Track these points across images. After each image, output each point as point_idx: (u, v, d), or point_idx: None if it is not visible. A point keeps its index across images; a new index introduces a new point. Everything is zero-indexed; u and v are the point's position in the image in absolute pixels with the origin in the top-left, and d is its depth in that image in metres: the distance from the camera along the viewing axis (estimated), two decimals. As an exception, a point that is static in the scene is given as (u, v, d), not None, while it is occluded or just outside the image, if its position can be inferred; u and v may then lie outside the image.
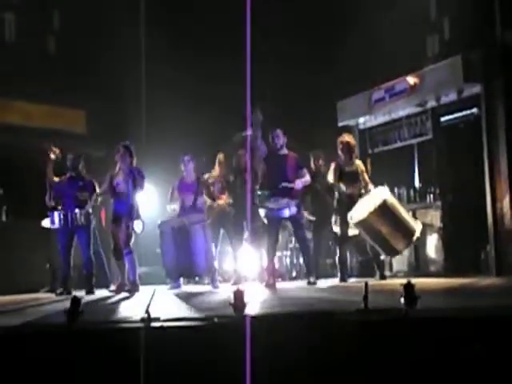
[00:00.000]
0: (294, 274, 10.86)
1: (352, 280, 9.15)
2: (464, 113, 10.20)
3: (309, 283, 8.39)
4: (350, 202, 8.85)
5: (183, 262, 8.53)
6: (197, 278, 10.18)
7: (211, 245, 8.84)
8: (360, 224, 8.54)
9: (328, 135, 10.31)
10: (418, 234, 8.69)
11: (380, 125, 11.55)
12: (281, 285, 8.66)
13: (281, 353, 3.82)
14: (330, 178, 9.07)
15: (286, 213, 8.41)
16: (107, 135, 11.31)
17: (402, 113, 11.03)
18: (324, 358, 3.83)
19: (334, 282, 8.93)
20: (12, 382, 3.86)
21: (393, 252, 8.83)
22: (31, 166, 10.59)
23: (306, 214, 9.67)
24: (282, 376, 3.83)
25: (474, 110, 9.94)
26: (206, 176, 9.57)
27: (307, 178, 8.67)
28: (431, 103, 10.48)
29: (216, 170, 9.76)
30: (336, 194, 9.12)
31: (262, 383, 3.78)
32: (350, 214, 8.65)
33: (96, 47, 11.65)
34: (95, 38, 11.79)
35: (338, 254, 9.05)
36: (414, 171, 11.03)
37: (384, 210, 8.43)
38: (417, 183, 10.96)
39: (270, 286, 8.20)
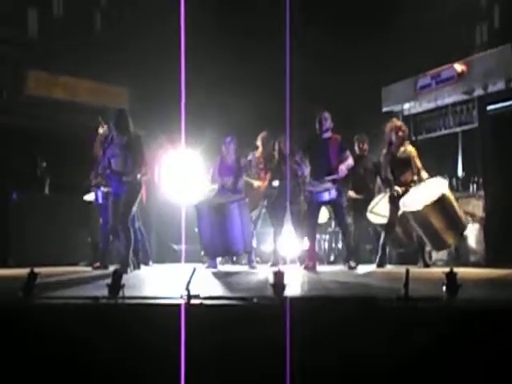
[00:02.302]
0: (332, 258, 10.83)
1: (389, 267, 9.09)
2: (511, 102, 10.02)
3: (349, 268, 8.34)
4: (399, 195, 8.69)
5: (220, 242, 8.53)
6: (234, 258, 10.22)
7: (249, 225, 8.80)
8: (413, 214, 8.38)
9: (371, 121, 10.24)
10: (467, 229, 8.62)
11: (425, 112, 11.44)
12: (319, 268, 8.63)
13: (318, 336, 3.81)
14: (386, 172, 8.91)
15: (326, 196, 8.33)
16: (148, 113, 11.36)
17: (447, 100, 10.90)
18: (361, 344, 3.81)
19: (373, 267, 8.87)
20: (52, 352, 3.92)
21: (442, 246, 8.71)
22: (74, 141, 10.73)
23: (351, 193, 9.62)
24: (319, 360, 3.82)
25: (522, 99, 9.79)
26: (249, 157, 9.55)
27: (350, 161, 8.56)
28: (478, 91, 10.33)
29: (259, 151, 9.70)
30: (388, 182, 8.95)
31: (300, 366, 3.77)
32: (402, 201, 8.53)
33: (140, 25, 11.67)
34: (139, 16, 11.82)
35: (381, 240, 8.95)
36: (457, 160, 10.91)
37: (441, 204, 8.23)
38: (460, 172, 10.84)
39: (310, 268, 8.17)
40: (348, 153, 8.63)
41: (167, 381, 3.80)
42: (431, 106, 11.23)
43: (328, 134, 8.57)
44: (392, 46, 10.69)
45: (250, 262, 8.90)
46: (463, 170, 10.80)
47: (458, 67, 10.34)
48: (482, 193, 10.20)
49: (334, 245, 10.86)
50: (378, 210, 9.38)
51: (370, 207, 9.49)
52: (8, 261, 9.92)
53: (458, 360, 3.71)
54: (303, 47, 9.02)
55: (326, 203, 8.59)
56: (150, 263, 9.39)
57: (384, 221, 9.05)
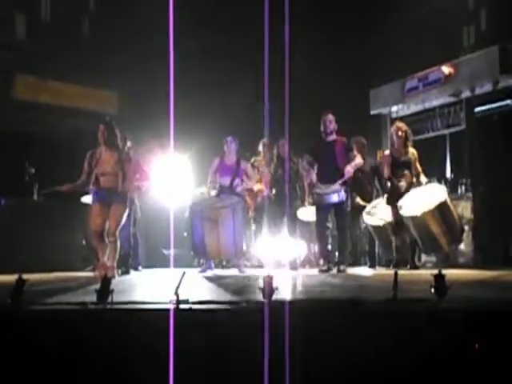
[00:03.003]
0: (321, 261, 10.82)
1: (380, 269, 9.12)
2: (499, 104, 10.08)
3: (339, 271, 8.37)
4: (401, 191, 8.74)
5: (210, 244, 8.53)
6: (224, 262, 10.22)
7: (241, 229, 8.79)
8: (412, 219, 8.41)
9: (358, 123, 10.27)
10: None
11: (413, 114, 11.49)
12: (310, 271, 8.65)
13: (308, 339, 3.82)
14: (386, 171, 8.94)
15: (335, 198, 8.35)
16: (138, 117, 11.36)
17: (435, 102, 10.96)
18: (350, 346, 3.82)
19: (367, 270, 8.91)
20: (40, 359, 3.91)
21: (438, 251, 8.77)
22: (64, 146, 10.71)
23: (359, 200, 9.64)
24: (308, 362, 3.82)
25: (509, 101, 9.84)
26: (253, 160, 9.59)
27: (358, 160, 8.55)
28: (465, 93, 10.39)
29: (261, 155, 9.75)
30: (389, 184, 8.97)
31: (289, 369, 3.78)
32: (400, 204, 8.55)
33: (129, 30, 11.66)
34: (128, 21, 11.80)
35: (393, 241, 8.96)
36: (445, 162, 10.96)
37: (440, 210, 8.30)
38: (448, 174, 10.88)
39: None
40: (355, 153, 8.62)
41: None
42: (419, 108, 11.29)
43: (333, 137, 8.57)
44: (379, 48, 10.72)
45: (239, 266, 8.90)
46: (451, 171, 10.84)
47: (446, 69, 10.39)
48: (470, 194, 10.25)
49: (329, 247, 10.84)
50: (375, 213, 9.42)
51: (367, 209, 9.52)
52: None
53: (447, 361, 3.72)
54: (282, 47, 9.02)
55: (334, 205, 8.54)
56: (140, 268, 9.40)
57: (379, 223, 9.08)
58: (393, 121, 11.66)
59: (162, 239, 10.32)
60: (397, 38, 10.64)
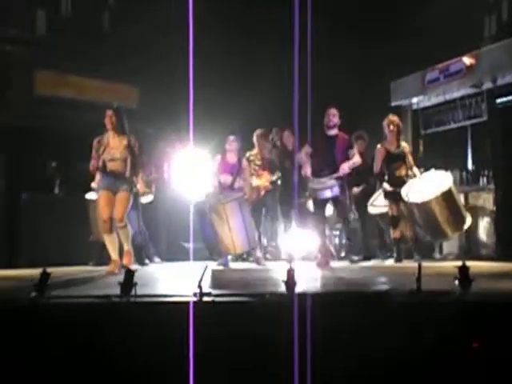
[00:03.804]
0: (342, 253, 10.80)
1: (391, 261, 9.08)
2: (521, 95, 10.00)
3: (351, 262, 8.35)
4: (398, 183, 8.71)
5: (222, 240, 8.50)
6: (245, 255, 10.21)
7: (251, 221, 8.74)
8: (417, 205, 8.42)
9: (379, 116, 10.20)
10: (468, 224, 8.64)
11: (433, 106, 11.39)
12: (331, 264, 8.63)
13: (332, 332, 3.82)
14: (376, 166, 8.93)
15: (328, 193, 8.29)
16: (158, 112, 11.38)
17: (456, 94, 10.85)
18: (374, 339, 3.81)
19: (382, 262, 8.88)
20: (65, 350, 3.94)
21: (441, 237, 8.79)
22: (84, 140, 10.72)
23: (354, 189, 9.60)
24: (332, 355, 3.82)
25: (531, 92, 9.75)
26: (248, 154, 9.54)
27: (356, 159, 8.46)
28: (487, 85, 10.28)
29: (256, 148, 9.69)
30: (385, 177, 8.96)
31: (312, 362, 3.78)
32: (404, 192, 8.52)
33: (149, 24, 11.67)
34: (149, 15, 11.81)
35: (391, 235, 8.95)
36: (467, 153, 10.87)
37: (446, 197, 8.33)
38: (470, 165, 10.81)
39: (323, 265, 8.17)
40: (354, 151, 8.54)
41: (180, 378, 3.81)
42: (440, 99, 11.19)
43: (335, 131, 8.48)
44: (400, 39, 10.65)
45: (256, 259, 8.89)
46: (473, 163, 10.77)
47: (467, 60, 10.30)
48: (492, 186, 10.17)
49: (344, 241, 10.83)
50: (377, 202, 9.43)
51: (370, 201, 9.52)
52: (18, 261, 9.96)
53: (471, 353, 3.71)
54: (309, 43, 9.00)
55: (328, 200, 8.52)
56: (155, 259, 9.49)
57: (383, 210, 9.07)
58: (414, 112, 11.67)
59: (183, 233, 10.35)
60: (418, 29, 10.54)
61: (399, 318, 3.87)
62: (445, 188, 8.36)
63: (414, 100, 11.61)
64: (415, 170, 8.96)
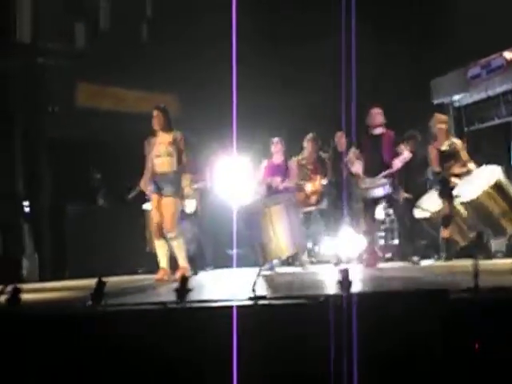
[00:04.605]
0: (389, 254, 10.72)
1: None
2: None
3: (412, 263, 8.21)
4: (451, 182, 8.61)
5: (269, 244, 8.46)
6: (290, 260, 10.18)
7: (298, 225, 8.69)
8: (470, 204, 8.27)
9: (421, 113, 10.11)
10: None
11: (476, 102, 11.25)
12: (379, 265, 8.58)
13: (391, 331, 3.77)
14: (435, 166, 8.82)
15: (381, 192, 8.22)
16: (200, 120, 11.43)
17: (498, 89, 10.70)
18: (435, 337, 3.75)
19: (431, 262, 8.77)
20: (123, 358, 3.96)
21: (501, 233, 8.58)
22: (125, 150, 10.84)
23: (403, 194, 9.52)
24: (386, 355, 3.78)
25: None
26: (299, 157, 9.49)
27: (405, 154, 8.34)
28: (530, 79, 10.16)
29: (307, 151, 9.66)
30: (440, 176, 8.84)
31: (366, 361, 3.74)
32: (456, 192, 8.42)
33: (187, 34, 11.75)
34: (186, 25, 11.90)
35: (441, 234, 8.84)
36: (511, 149, 10.71)
37: (497, 189, 8.15)
38: (515, 162, 10.66)
39: (371, 266, 8.10)
40: (402, 147, 8.46)
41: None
42: (482, 96, 11.05)
43: (380, 130, 8.41)
44: (440, 36, 10.58)
45: (301, 263, 8.86)
46: (518, 159, 10.62)
47: (508, 55, 10.17)
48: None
49: (390, 241, 10.74)
50: (423, 205, 9.31)
51: (418, 202, 9.41)
52: (65, 273, 10.08)
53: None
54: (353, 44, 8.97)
55: (381, 199, 8.48)
56: (207, 269, 9.48)
57: (425, 215, 8.97)
58: (456, 110, 11.54)
59: (227, 240, 10.37)
60: (458, 25, 10.47)
61: (459, 314, 3.81)
62: (492, 181, 8.16)
63: (456, 97, 11.48)
64: (470, 165, 8.75)
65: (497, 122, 10.99)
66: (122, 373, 3.91)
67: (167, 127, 7.68)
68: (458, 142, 8.99)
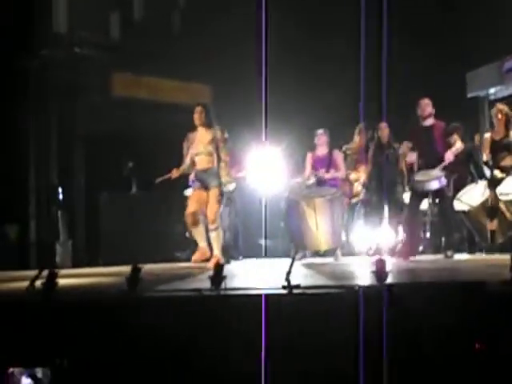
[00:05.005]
0: (420, 248, 10.64)
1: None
2: None
3: (446, 256, 8.15)
4: (501, 175, 8.50)
5: (309, 236, 8.46)
6: (321, 252, 10.16)
7: (339, 220, 8.67)
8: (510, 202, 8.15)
9: (456, 107, 10.04)
10: None
11: (512, 95, 11.15)
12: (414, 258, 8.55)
13: (427, 322, 3.77)
14: (485, 155, 8.71)
15: (436, 184, 8.10)
16: (231, 110, 11.43)
17: (534, 82, 10.61)
18: (472, 329, 3.74)
19: (465, 256, 8.71)
20: (159, 344, 3.99)
21: None
22: (159, 139, 10.91)
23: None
24: (419, 344, 3.77)
25: None
26: (344, 148, 9.50)
27: (458, 144, 8.29)
28: None
29: (355, 142, 9.65)
30: (489, 168, 8.73)
31: (400, 351, 3.74)
32: (499, 190, 8.31)
33: (221, 21, 11.75)
34: (219, 12, 11.90)
35: (487, 226, 8.71)
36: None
37: None
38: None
39: (405, 256, 8.11)
40: (455, 136, 8.38)
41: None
42: (518, 89, 10.96)
43: (430, 121, 8.34)
44: (475, 28, 10.47)
45: (336, 256, 8.85)
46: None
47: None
48: None
49: (422, 235, 10.65)
50: (463, 198, 9.20)
51: (457, 196, 9.31)
52: (99, 260, 10.18)
53: None
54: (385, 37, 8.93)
55: (434, 192, 8.38)
56: (240, 258, 9.52)
57: (465, 208, 8.88)
58: (491, 103, 11.39)
59: (259, 230, 10.38)
60: (493, 17, 10.34)
61: (494, 307, 3.79)
62: None
63: (492, 90, 11.37)
64: None
65: (533, 115, 10.84)
66: (156, 358, 3.94)
67: (208, 124, 7.75)
68: None
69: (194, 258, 7.69)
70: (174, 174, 7.88)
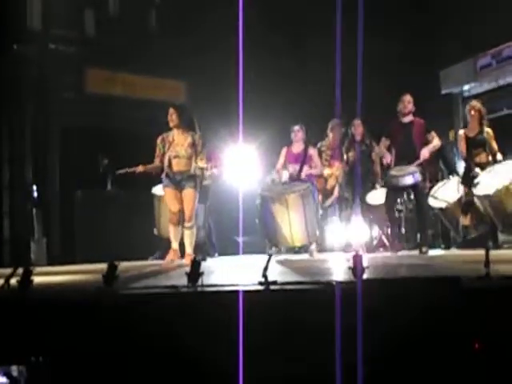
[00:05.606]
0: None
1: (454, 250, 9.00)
2: None
3: (421, 252, 8.22)
4: (474, 170, 8.56)
5: (283, 232, 8.49)
6: (296, 248, 10.19)
7: (313, 215, 8.72)
8: (486, 197, 8.23)
9: (429, 104, 10.09)
10: None
11: (486, 92, 11.24)
12: (388, 254, 8.60)
13: (403, 318, 3.78)
14: (461, 150, 8.82)
15: (410, 180, 8.19)
16: (207, 106, 11.42)
17: (509, 79, 10.69)
18: (447, 325, 3.76)
19: (439, 251, 8.79)
20: (135, 340, 3.98)
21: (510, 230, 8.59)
22: (134, 136, 10.87)
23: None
24: (393, 342, 3.79)
25: None
26: (319, 145, 9.56)
27: (435, 142, 8.41)
28: (541, 69, 10.12)
29: (329, 138, 9.71)
30: (464, 163, 8.83)
31: (377, 347, 3.75)
32: (476, 182, 8.39)
33: (195, 20, 11.73)
34: (194, 11, 11.88)
35: (461, 221, 8.84)
36: (522, 140, 10.70)
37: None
38: (525, 152, 10.63)
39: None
40: (433, 134, 8.45)
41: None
42: (492, 86, 11.04)
43: (410, 118, 8.44)
44: (449, 26, 10.54)
45: (310, 251, 8.88)
46: (527, 150, 10.59)
47: (519, 45, 10.15)
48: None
49: (397, 230, 10.72)
50: (439, 195, 9.29)
51: (431, 192, 9.39)
52: (75, 257, 10.12)
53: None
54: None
55: (409, 187, 8.47)
56: (216, 255, 9.51)
57: (442, 205, 8.96)
58: (464, 100, 11.49)
59: (233, 227, 10.39)
60: (467, 14, 10.41)
61: (471, 303, 3.81)
62: (509, 179, 8.09)
63: (466, 87, 11.47)
64: (499, 156, 8.73)
65: (506, 112, 10.97)
66: (133, 355, 3.93)
67: (184, 126, 7.65)
68: (490, 131, 8.87)
69: (167, 258, 7.62)
70: (139, 169, 7.74)
